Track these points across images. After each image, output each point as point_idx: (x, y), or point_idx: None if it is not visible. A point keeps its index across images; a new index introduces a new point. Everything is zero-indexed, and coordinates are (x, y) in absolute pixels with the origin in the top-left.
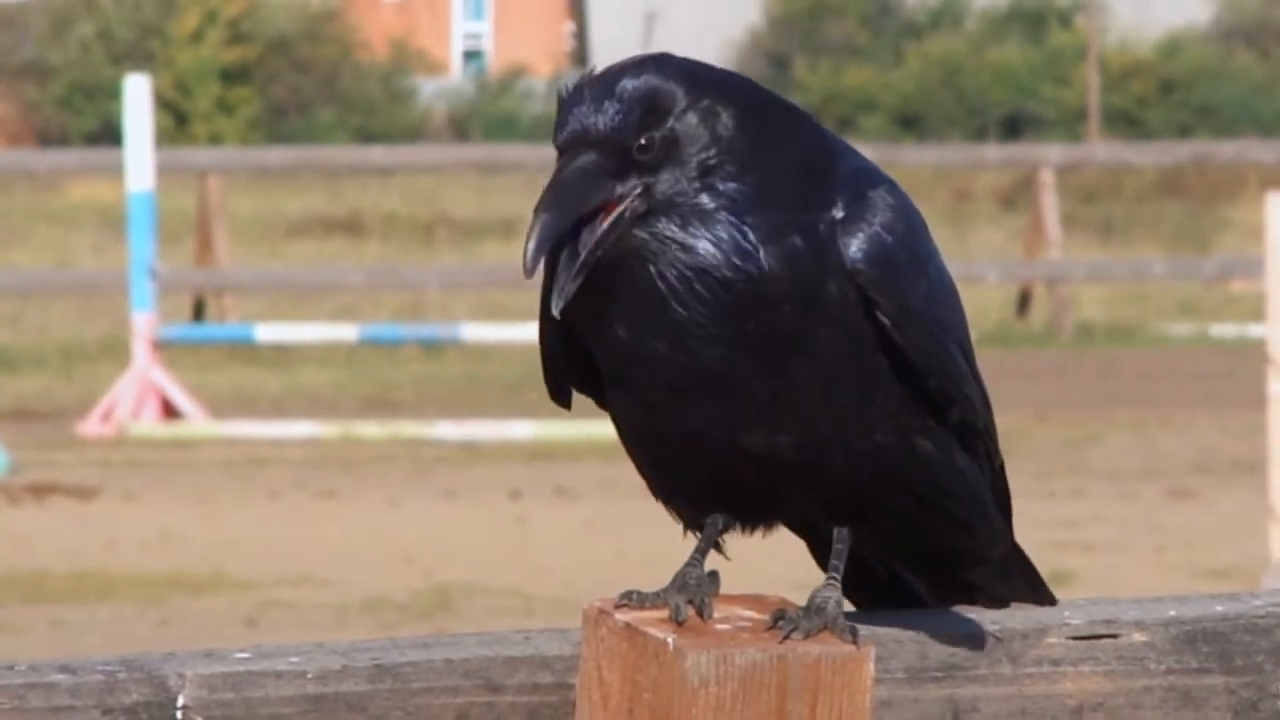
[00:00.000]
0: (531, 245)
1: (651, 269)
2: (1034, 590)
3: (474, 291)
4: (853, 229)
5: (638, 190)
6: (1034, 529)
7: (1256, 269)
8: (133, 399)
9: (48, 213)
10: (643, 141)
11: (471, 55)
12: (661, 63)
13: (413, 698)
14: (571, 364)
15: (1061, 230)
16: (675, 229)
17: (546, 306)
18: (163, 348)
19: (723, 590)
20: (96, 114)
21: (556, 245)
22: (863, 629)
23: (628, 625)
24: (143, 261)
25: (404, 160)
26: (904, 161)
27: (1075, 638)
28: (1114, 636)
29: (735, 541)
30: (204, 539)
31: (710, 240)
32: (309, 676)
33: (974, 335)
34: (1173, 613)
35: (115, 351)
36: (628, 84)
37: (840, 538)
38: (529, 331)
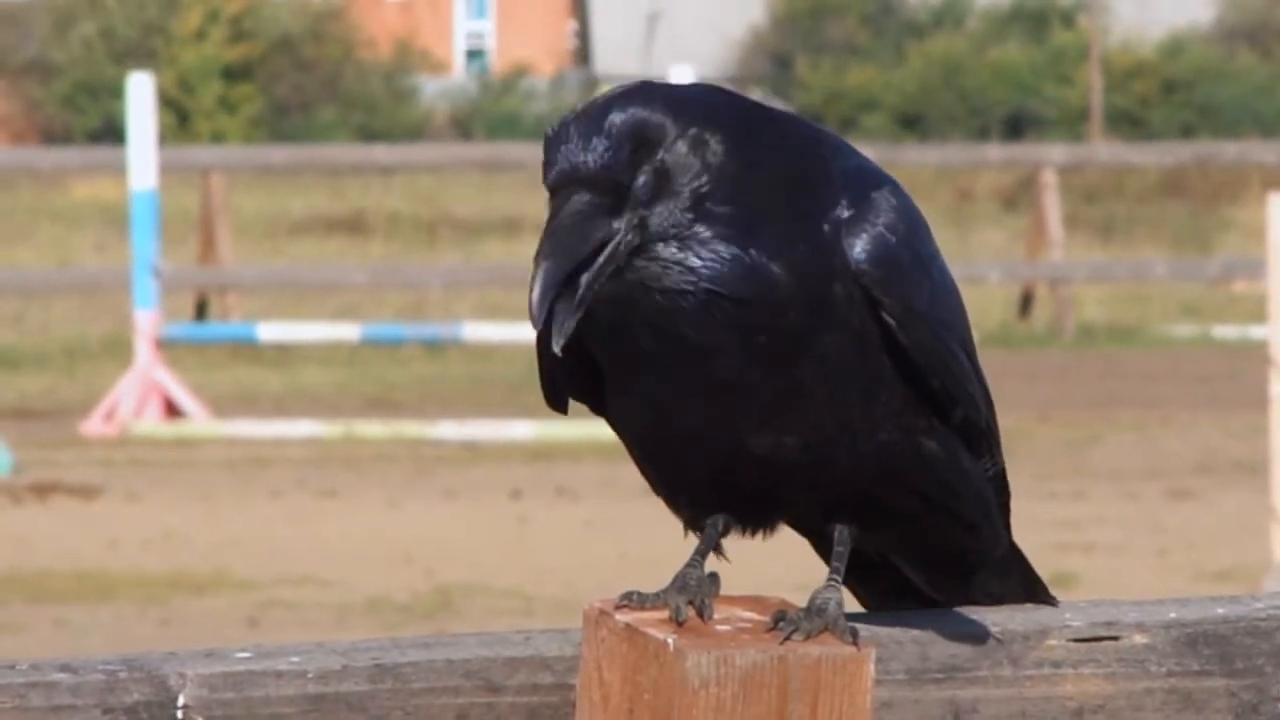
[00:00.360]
0: (536, 295)
1: (658, 295)
2: (1033, 591)
3: (476, 291)
4: (856, 230)
5: (634, 223)
6: (1035, 530)
7: (1259, 270)
8: (135, 398)
9: (51, 211)
10: (635, 177)
11: (474, 54)
12: (646, 93)
13: (413, 698)
14: (571, 374)
15: (1063, 230)
16: (675, 252)
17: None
18: (165, 347)
19: (723, 591)
20: (99, 112)
21: (560, 291)
22: (863, 630)
23: (628, 626)
24: (145, 260)
25: (406, 159)
26: (906, 161)
27: (1076, 640)
28: (1115, 639)
29: (736, 543)
30: (206, 538)
31: (714, 260)
32: (310, 676)
33: (976, 336)
34: (1174, 615)
35: (118, 350)
36: (615, 118)
37: (842, 539)
38: (531, 332)
